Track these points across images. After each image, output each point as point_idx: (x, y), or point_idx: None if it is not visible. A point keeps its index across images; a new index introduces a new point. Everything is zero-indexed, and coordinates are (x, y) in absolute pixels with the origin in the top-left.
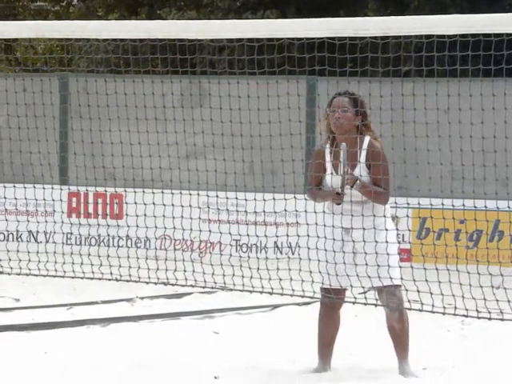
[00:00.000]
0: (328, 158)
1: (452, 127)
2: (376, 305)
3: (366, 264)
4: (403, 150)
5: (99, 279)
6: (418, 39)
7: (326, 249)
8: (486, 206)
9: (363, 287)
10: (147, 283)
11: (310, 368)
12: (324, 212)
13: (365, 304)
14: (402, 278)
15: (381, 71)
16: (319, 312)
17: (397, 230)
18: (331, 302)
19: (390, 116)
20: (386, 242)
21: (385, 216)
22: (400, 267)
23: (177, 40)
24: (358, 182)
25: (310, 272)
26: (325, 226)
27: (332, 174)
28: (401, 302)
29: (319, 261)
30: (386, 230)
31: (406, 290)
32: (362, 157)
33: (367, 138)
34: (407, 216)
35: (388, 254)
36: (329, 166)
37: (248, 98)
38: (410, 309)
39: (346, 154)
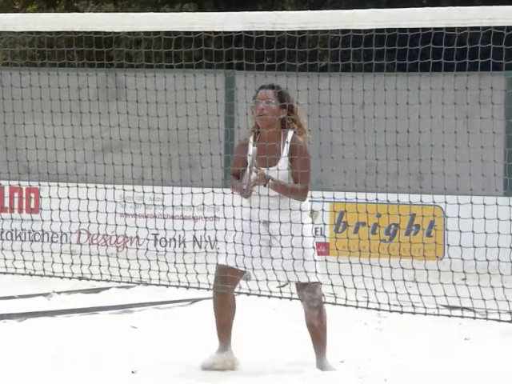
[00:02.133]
0: (250, 151)
1: (367, 122)
2: (291, 298)
3: (282, 258)
4: (319, 144)
5: (12, 274)
6: (335, 34)
7: (244, 242)
8: (398, 200)
9: (279, 281)
10: (61, 278)
11: (213, 350)
12: (242, 206)
13: (280, 298)
14: (316, 272)
15: (298, 65)
16: (213, 298)
17: (312, 223)
18: (222, 291)
19: (307, 110)
20: (302, 235)
21: (301, 210)
22: (315, 261)
23: (93, 33)
24: (270, 181)
25: (245, 256)
26: (242, 219)
27: (252, 166)
28: (320, 300)
29: (226, 242)
30: (302, 223)
31: (321, 284)
32: (285, 151)
33: (291, 133)
34: (323, 210)
35: (303, 247)
36: (250, 146)
37: (165, 91)
38: (324, 302)
39: (254, 158)
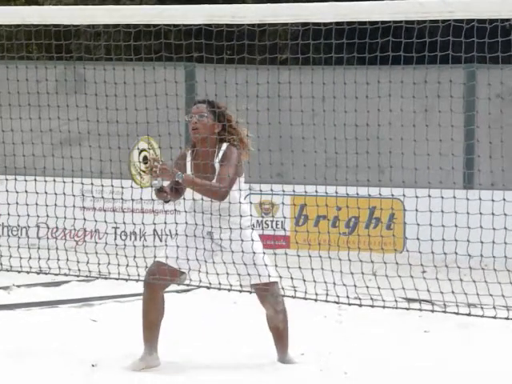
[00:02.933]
0: (189, 158)
1: (327, 115)
2: (251, 292)
3: (225, 262)
4: (279, 138)
5: None
6: (295, 27)
7: (188, 245)
8: (357, 193)
9: (239, 274)
10: (19, 272)
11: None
12: (186, 211)
13: (240, 291)
14: (269, 276)
15: (258, 59)
16: (143, 293)
17: (271, 217)
18: (155, 282)
19: (267, 104)
20: (241, 240)
21: (241, 215)
22: (266, 265)
23: (52, 26)
24: (179, 174)
25: (188, 259)
26: (187, 223)
27: (192, 172)
28: (283, 302)
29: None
30: (241, 228)
31: (281, 277)
32: (217, 166)
33: (224, 146)
34: (283, 203)
35: (243, 251)
36: (188, 165)
37: (124, 84)
38: (283, 295)
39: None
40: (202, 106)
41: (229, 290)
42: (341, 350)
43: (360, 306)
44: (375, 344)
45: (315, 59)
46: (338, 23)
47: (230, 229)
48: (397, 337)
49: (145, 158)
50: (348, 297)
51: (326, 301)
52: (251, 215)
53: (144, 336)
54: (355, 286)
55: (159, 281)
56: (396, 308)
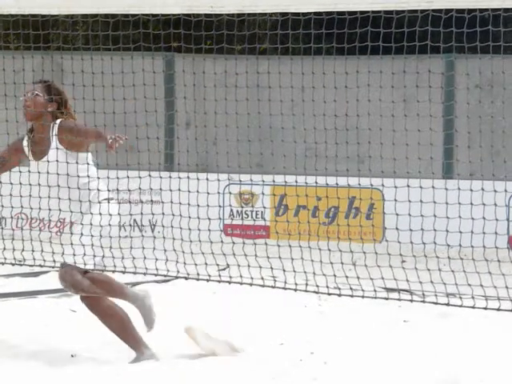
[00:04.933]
0: (25, 143)
1: (306, 105)
2: (230, 282)
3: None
4: (258, 128)
5: None
6: (274, 17)
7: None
8: (337, 184)
9: (218, 265)
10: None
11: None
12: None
13: (219, 281)
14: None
15: (237, 49)
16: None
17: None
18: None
19: (246, 94)
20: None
21: (89, 189)
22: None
23: (30, 16)
24: None
25: (165, 250)
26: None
27: (29, 158)
28: (78, 287)
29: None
30: (90, 201)
31: (260, 268)
32: (54, 142)
33: (58, 121)
34: (263, 193)
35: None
36: (26, 150)
37: (102, 74)
38: (262, 285)
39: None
40: (37, 85)
41: (207, 281)
42: (320, 340)
43: (339, 295)
44: (355, 334)
45: (294, 49)
46: (316, 13)
47: (80, 202)
48: (376, 327)
49: None
50: (328, 287)
51: (306, 291)
52: (99, 189)
53: (126, 341)
54: (335, 275)
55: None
56: (375, 298)
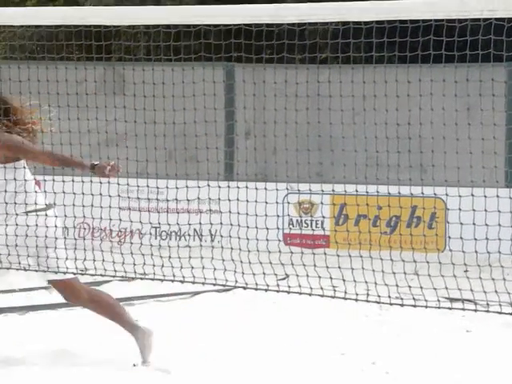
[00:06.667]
0: None
1: (367, 114)
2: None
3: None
4: (318, 137)
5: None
6: (335, 26)
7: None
8: (399, 193)
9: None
10: (56, 272)
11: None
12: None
13: (193, 283)
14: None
15: (297, 58)
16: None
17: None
18: None
19: (306, 103)
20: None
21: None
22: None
23: (92, 26)
24: None
25: (223, 260)
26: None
27: None
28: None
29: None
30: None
31: (319, 277)
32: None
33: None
34: (322, 203)
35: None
36: None
37: (163, 84)
38: (322, 295)
39: None
40: None
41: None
42: (382, 350)
43: (402, 305)
44: (417, 343)
45: (355, 58)
46: (378, 22)
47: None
48: (439, 336)
49: None
50: (390, 296)
51: (367, 301)
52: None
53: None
54: (397, 285)
55: None
56: (438, 308)
